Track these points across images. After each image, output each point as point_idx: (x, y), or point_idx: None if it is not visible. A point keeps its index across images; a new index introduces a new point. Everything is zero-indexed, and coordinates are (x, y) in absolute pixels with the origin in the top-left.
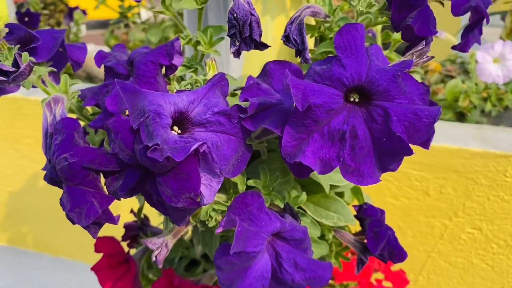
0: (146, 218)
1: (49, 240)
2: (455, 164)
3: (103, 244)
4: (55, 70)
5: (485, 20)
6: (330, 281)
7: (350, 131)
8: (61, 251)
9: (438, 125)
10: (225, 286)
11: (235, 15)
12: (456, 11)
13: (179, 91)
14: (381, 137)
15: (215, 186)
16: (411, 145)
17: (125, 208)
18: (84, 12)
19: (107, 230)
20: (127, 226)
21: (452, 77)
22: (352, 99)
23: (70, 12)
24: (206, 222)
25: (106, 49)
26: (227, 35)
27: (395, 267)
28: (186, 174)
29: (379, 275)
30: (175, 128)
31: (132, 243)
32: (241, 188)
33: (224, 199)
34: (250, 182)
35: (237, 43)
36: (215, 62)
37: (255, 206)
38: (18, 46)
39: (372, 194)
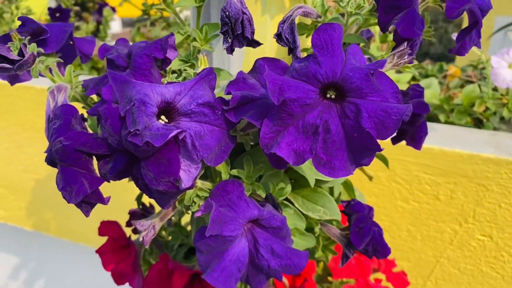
0: (151, 206)
1: (70, 226)
2: (466, 170)
3: (106, 228)
4: (62, 61)
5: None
6: (329, 278)
7: (323, 125)
8: (81, 238)
9: (452, 130)
10: (203, 267)
11: (227, 13)
12: (450, 14)
13: (169, 83)
14: (353, 132)
15: (194, 172)
16: (406, 146)
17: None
18: (113, 9)
19: (114, 217)
20: (131, 213)
21: (472, 82)
22: (329, 95)
23: (100, 9)
24: (190, 207)
25: None
26: (220, 32)
27: (404, 269)
28: (167, 160)
29: (380, 276)
30: (163, 117)
31: (136, 229)
32: (225, 177)
33: (209, 186)
34: (234, 172)
35: (230, 40)
36: (207, 57)
37: (235, 194)
38: (29, 37)
39: (382, 196)
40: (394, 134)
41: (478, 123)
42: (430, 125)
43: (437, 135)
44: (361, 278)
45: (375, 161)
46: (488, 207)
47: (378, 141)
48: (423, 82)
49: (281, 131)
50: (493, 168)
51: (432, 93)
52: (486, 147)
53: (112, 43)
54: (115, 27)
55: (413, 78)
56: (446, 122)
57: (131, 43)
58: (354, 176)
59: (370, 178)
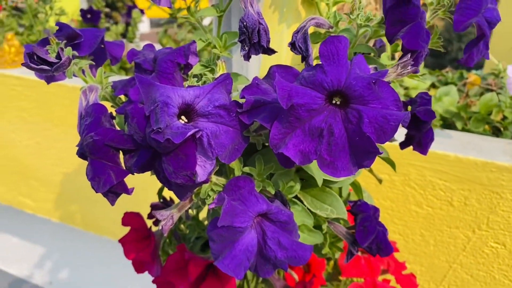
0: (171, 200)
1: (95, 219)
2: (481, 177)
3: (129, 219)
4: (94, 63)
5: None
6: (339, 277)
7: (327, 129)
8: (105, 231)
9: (468, 138)
10: (215, 255)
11: (244, 23)
12: (457, 27)
13: (189, 86)
14: (355, 136)
15: (209, 167)
16: (417, 154)
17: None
18: (142, 11)
19: (136, 209)
20: (153, 206)
21: (492, 90)
22: (334, 101)
23: (129, 11)
24: (206, 200)
25: (159, 47)
26: (238, 41)
27: (416, 273)
28: (185, 156)
29: (390, 277)
30: (183, 117)
31: (157, 221)
32: (238, 173)
33: (224, 182)
34: (246, 169)
35: (247, 48)
36: (225, 63)
37: (246, 189)
38: (65, 41)
39: (397, 201)
40: (403, 139)
41: (496, 132)
42: (446, 132)
43: (453, 142)
44: (369, 278)
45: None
46: (502, 215)
47: (388, 145)
48: (442, 90)
49: (289, 133)
50: (507, 176)
51: (450, 100)
52: (502, 155)
53: (141, 43)
54: (143, 27)
55: (433, 85)
56: (463, 130)
57: (158, 44)
58: (370, 180)
59: (380, 181)
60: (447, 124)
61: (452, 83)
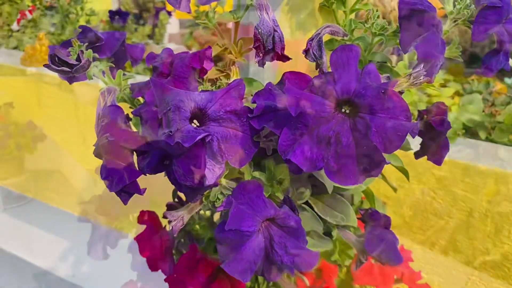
0: (187, 200)
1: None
2: (502, 188)
3: (145, 217)
4: (113, 65)
5: None
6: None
7: (335, 137)
8: (126, 228)
9: (490, 147)
10: (222, 258)
11: (259, 30)
12: (476, 37)
13: (202, 91)
14: (362, 145)
15: (217, 171)
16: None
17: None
18: (169, 13)
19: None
20: (169, 206)
21: None
22: (343, 110)
23: (157, 13)
24: (215, 203)
25: (184, 49)
26: (253, 47)
27: (434, 283)
28: (194, 159)
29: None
30: (195, 121)
31: (170, 221)
32: (248, 178)
33: (234, 186)
34: (256, 174)
35: (261, 54)
36: (239, 69)
37: (255, 194)
38: (86, 44)
39: (415, 209)
40: (418, 149)
41: None
42: (469, 142)
43: (475, 152)
44: (382, 286)
45: (410, 174)
46: None
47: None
48: (465, 98)
49: (297, 139)
50: None
51: (474, 109)
52: None
53: (169, 45)
54: (173, 28)
55: (458, 93)
56: (486, 140)
57: (182, 46)
58: (389, 188)
59: (395, 189)
60: (470, 133)
61: (477, 91)
